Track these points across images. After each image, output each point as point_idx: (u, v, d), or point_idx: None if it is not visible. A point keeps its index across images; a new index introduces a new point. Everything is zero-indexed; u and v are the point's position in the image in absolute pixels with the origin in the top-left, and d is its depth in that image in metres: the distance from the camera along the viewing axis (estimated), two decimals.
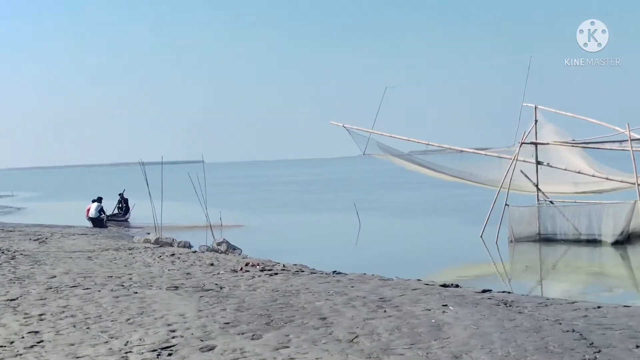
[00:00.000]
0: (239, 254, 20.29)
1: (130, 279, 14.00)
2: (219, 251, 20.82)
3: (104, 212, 34.88)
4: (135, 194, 38.25)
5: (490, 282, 16.00)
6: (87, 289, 12.78)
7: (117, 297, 11.85)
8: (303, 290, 12.22)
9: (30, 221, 36.62)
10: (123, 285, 12.96)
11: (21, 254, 18.79)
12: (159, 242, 22.93)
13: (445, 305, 10.57)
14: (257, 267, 15.85)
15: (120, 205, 38.47)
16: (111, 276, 14.32)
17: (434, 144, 26.02)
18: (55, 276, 14.44)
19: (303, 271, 15.58)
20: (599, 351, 7.69)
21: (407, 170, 28.07)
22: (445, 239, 27.09)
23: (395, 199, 50.36)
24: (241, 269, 15.49)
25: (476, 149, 26.62)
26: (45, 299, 11.74)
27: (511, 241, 23.55)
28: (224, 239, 21.92)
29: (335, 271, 15.65)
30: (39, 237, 24.73)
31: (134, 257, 18.29)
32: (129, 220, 37.73)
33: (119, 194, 38.92)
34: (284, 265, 16.34)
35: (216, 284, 13.05)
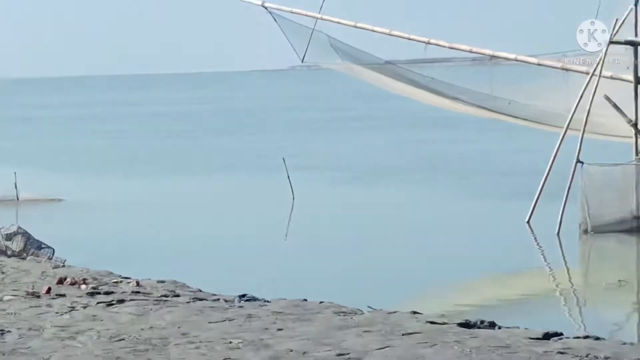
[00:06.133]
0: (49, 258, 20.33)
1: None
2: (8, 252, 20.75)
3: None
4: None
5: (556, 316, 16.39)
6: None
7: None
8: (175, 338, 12.43)
9: None
10: None
11: None
12: None
13: None
14: (84, 286, 15.99)
15: None
16: None
17: (441, 42, 26.84)
18: None
19: (178, 295, 15.76)
20: None
21: (384, 91, 29.60)
22: (451, 225, 27.45)
23: (348, 150, 51.67)
24: (48, 290, 15.51)
25: (520, 56, 27.33)
26: None
27: (586, 231, 24.21)
28: (18, 228, 21.79)
29: (243, 295, 15.96)
30: None
31: None
32: None
33: None
34: (138, 283, 16.48)
35: None
